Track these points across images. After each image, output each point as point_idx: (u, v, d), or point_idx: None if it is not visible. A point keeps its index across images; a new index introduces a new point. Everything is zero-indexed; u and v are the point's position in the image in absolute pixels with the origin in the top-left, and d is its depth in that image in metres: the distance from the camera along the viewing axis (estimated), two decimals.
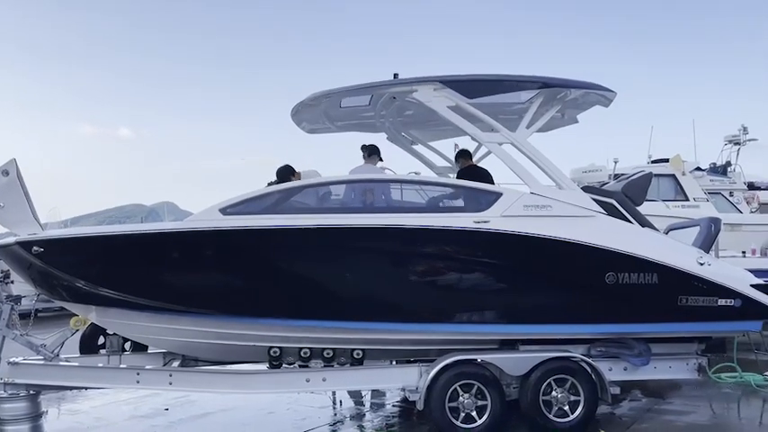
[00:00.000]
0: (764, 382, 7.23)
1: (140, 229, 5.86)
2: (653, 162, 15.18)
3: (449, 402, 5.53)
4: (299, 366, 5.91)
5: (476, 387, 5.59)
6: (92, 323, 6.65)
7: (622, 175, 11.25)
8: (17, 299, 6.11)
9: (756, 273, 5.97)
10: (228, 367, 6.24)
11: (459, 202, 6.13)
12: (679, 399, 6.89)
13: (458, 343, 5.87)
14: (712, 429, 5.91)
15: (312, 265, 5.60)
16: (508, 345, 5.97)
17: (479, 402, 5.59)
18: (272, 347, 5.81)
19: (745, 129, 17.56)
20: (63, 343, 6.14)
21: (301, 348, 5.82)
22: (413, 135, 8.10)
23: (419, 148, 8.20)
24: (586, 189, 6.18)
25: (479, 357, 5.76)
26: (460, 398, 5.56)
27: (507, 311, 5.73)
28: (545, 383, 5.65)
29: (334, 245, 5.56)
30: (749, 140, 17.48)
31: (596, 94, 6.35)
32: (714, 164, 16.55)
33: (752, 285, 5.74)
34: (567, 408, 5.67)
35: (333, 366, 5.88)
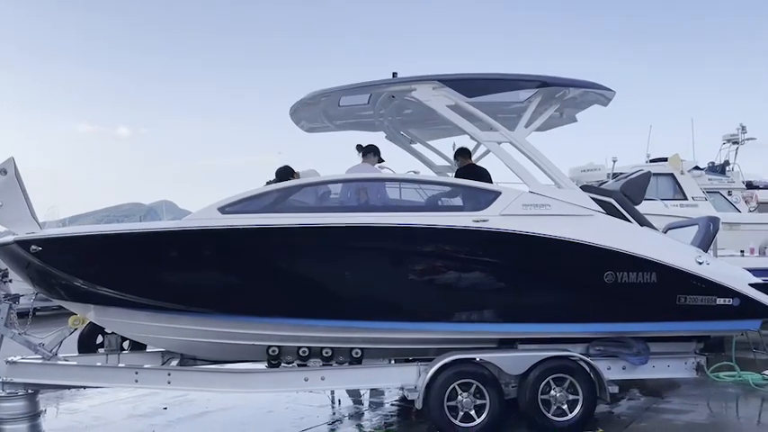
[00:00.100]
0: (763, 381, 7.25)
1: (139, 228, 5.85)
2: (651, 161, 15.19)
3: (447, 401, 5.54)
4: (298, 365, 5.91)
5: (474, 386, 5.60)
6: (90, 322, 6.64)
7: (621, 174, 11.25)
8: (15, 298, 6.10)
9: (755, 272, 5.98)
10: (227, 366, 6.24)
11: (458, 201, 6.13)
12: (677, 398, 6.89)
13: (456, 342, 5.87)
14: (711, 428, 5.92)
15: (311, 264, 5.60)
16: (507, 344, 5.97)
17: (478, 401, 5.59)
18: (270, 346, 5.81)
19: (743, 128, 17.58)
20: (61, 342, 6.13)
21: (300, 347, 5.82)
22: (412, 134, 8.09)
23: (418, 147, 8.20)
24: (585, 188, 6.18)
25: (478, 356, 5.76)
26: (459, 397, 5.57)
27: (506, 310, 5.73)
28: (544, 382, 5.66)
29: (332, 244, 5.55)
30: (748, 139, 17.51)
31: (595, 93, 6.35)
32: (712, 163, 16.57)
33: (750, 284, 5.74)
34: (565, 407, 5.68)
35: (331, 365, 5.88)
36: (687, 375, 6.15)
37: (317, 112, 7.00)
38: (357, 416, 6.85)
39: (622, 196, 6.02)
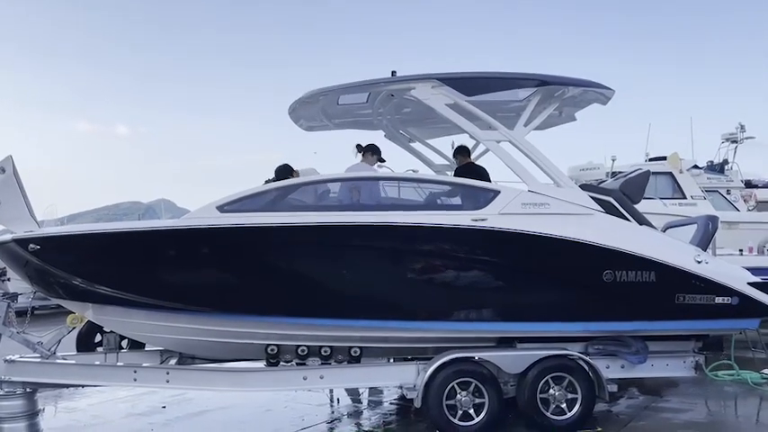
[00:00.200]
0: (761, 379, 7.25)
1: (138, 227, 5.84)
2: (650, 160, 15.20)
3: (446, 400, 5.54)
4: (297, 364, 5.90)
5: (473, 385, 5.60)
6: (89, 321, 6.63)
7: (620, 173, 11.27)
8: (14, 296, 6.09)
9: (754, 271, 5.99)
10: (226, 365, 6.23)
11: (457, 200, 6.14)
12: (676, 396, 6.90)
13: (455, 341, 5.87)
14: (709, 427, 5.92)
15: (309, 263, 5.60)
16: (506, 342, 5.97)
17: (477, 400, 5.59)
18: (269, 345, 5.80)
19: (742, 127, 17.60)
20: (60, 341, 6.12)
21: (299, 346, 5.81)
22: (411, 133, 8.09)
23: (417, 145, 8.20)
24: (584, 187, 6.18)
25: (477, 355, 5.76)
26: (458, 396, 5.57)
27: (505, 309, 5.73)
28: (542, 381, 5.67)
29: (331, 242, 5.55)
30: (746, 138, 17.53)
31: (594, 91, 6.35)
32: (711, 162, 16.59)
33: (749, 283, 5.76)
34: (564, 405, 5.68)
35: (330, 364, 5.88)
36: (686, 374, 6.17)
37: (316, 110, 6.99)
38: (356, 414, 6.85)
39: (621, 195, 6.02)
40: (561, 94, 6.32)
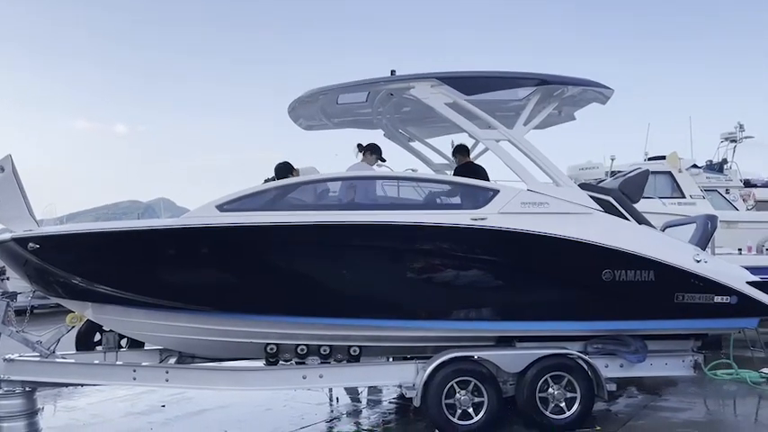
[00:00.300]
0: (760, 378, 7.26)
1: (137, 226, 5.84)
2: (650, 159, 15.22)
3: (445, 399, 5.54)
4: (296, 363, 5.90)
5: (472, 384, 5.60)
6: (88, 320, 6.62)
7: (619, 172, 11.27)
8: (13, 295, 6.08)
9: (752, 270, 5.99)
10: (225, 364, 6.22)
11: (457, 200, 6.14)
12: (675, 396, 6.91)
13: (455, 340, 5.88)
14: (708, 426, 5.93)
15: (309, 262, 5.59)
16: (505, 342, 5.98)
17: (476, 399, 5.60)
18: (268, 344, 5.79)
19: (741, 126, 17.64)
20: (59, 340, 6.12)
21: (298, 345, 5.81)
22: (410, 132, 8.08)
23: (416, 145, 8.20)
24: (583, 186, 6.18)
25: (476, 354, 5.77)
26: (457, 395, 5.57)
27: (504, 308, 5.73)
28: (541, 380, 5.67)
29: (331, 242, 5.55)
30: (745, 138, 17.57)
31: (593, 91, 6.35)
32: (710, 161, 16.62)
33: (748, 282, 5.77)
34: (563, 404, 5.69)
35: (330, 363, 5.87)
36: (685, 373, 6.17)
37: (316, 109, 6.99)
38: (355, 413, 6.86)
39: (620, 194, 6.02)
40: (560, 94, 6.32)
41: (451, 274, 5.71)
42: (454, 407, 5.57)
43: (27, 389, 5.72)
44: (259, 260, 5.57)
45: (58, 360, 5.99)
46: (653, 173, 11.33)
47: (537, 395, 5.65)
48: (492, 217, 5.60)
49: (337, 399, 7.35)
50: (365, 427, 6.17)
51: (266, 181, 6.64)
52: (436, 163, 8.16)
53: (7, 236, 5.63)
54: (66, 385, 6.38)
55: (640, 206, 6.23)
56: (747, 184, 16.36)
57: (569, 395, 5.71)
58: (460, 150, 7.54)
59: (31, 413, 5.71)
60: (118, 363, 6.29)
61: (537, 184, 5.86)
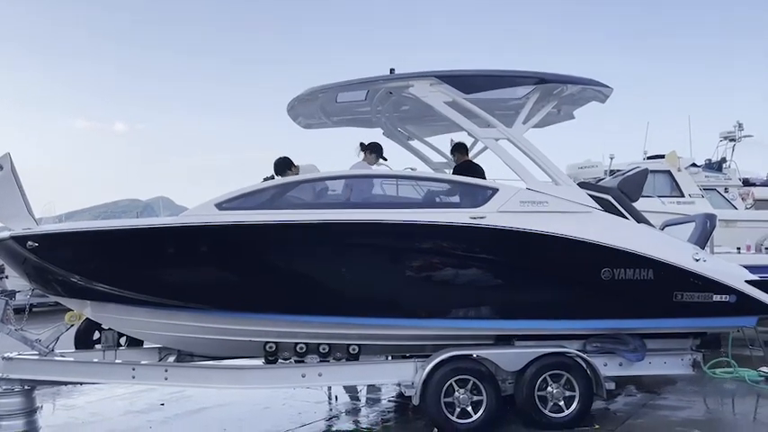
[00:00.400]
0: (758, 377, 7.26)
1: (136, 224, 5.84)
2: (649, 158, 15.22)
3: (444, 398, 5.54)
4: (295, 361, 5.89)
5: (471, 382, 5.60)
6: (87, 318, 6.62)
7: (618, 171, 11.27)
8: (12, 294, 6.09)
9: (751, 269, 5.99)
10: (224, 362, 6.22)
11: (456, 198, 6.14)
12: (674, 394, 6.91)
13: (453, 338, 5.88)
14: (707, 424, 5.93)
15: (308, 261, 5.60)
16: (504, 340, 5.98)
17: (475, 398, 5.60)
18: (267, 343, 5.79)
19: (740, 125, 17.65)
20: (58, 338, 6.12)
21: (297, 343, 5.80)
22: (409, 130, 8.08)
23: (415, 143, 8.19)
24: (582, 185, 6.18)
25: (475, 353, 5.77)
26: (456, 393, 5.57)
27: (503, 307, 5.74)
28: (540, 379, 5.67)
29: (330, 240, 5.55)
30: (744, 137, 17.57)
31: (593, 89, 6.35)
32: (709, 160, 16.62)
33: (747, 281, 5.77)
34: (562, 403, 5.69)
35: (329, 361, 5.87)
36: (683, 372, 6.18)
37: (315, 108, 6.99)
38: (354, 412, 6.86)
39: (620, 193, 6.02)
40: (560, 92, 6.32)
41: (450, 273, 5.71)
42: (453, 405, 5.57)
43: (26, 387, 5.72)
44: (258, 259, 5.57)
45: (56, 358, 5.99)
46: (652, 172, 11.33)
47: (536, 394, 5.65)
48: (491, 216, 5.60)
49: (336, 397, 7.35)
50: (364, 426, 6.17)
51: (265, 179, 6.64)
52: (435, 161, 8.16)
53: (6, 234, 5.62)
54: (65, 383, 6.37)
55: (639, 205, 6.23)
56: (746, 182, 16.37)
57: (568, 394, 5.71)
58: (459, 148, 7.54)
59: (29, 411, 5.72)
60: (117, 361, 6.28)
61: (536, 183, 5.86)
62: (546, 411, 5.66)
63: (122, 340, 6.92)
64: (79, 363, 6.05)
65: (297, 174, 6.75)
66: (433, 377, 5.54)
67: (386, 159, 7.15)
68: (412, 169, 7.42)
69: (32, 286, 6.10)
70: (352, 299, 5.61)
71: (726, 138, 17.60)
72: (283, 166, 6.85)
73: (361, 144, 7.14)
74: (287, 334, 5.78)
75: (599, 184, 6.91)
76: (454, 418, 5.55)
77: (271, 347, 5.81)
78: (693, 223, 6.37)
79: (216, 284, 5.62)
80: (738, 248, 9.34)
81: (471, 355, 5.75)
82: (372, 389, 7.52)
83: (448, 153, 7.96)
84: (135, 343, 6.85)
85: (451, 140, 7.97)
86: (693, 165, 14.48)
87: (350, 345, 5.89)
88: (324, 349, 5.82)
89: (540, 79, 6.06)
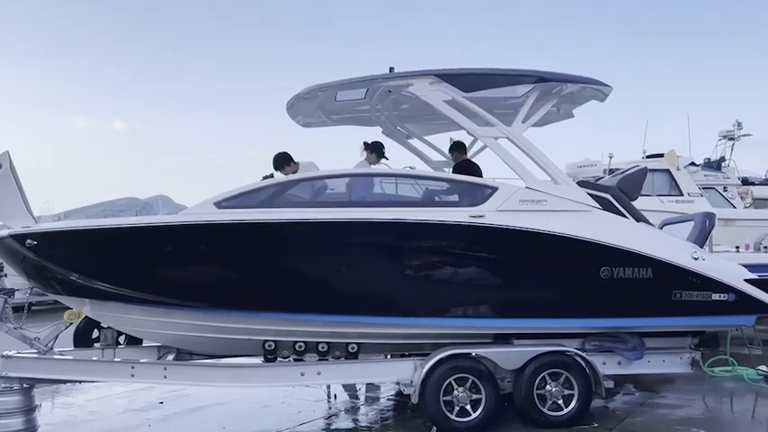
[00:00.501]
0: (757, 376, 7.27)
1: (135, 223, 5.83)
2: (648, 157, 15.20)
3: (443, 396, 5.54)
4: (294, 360, 5.90)
5: (470, 381, 5.60)
6: (86, 316, 6.63)
7: (617, 170, 11.27)
8: (10, 292, 6.08)
9: (750, 268, 6.00)
10: (223, 361, 6.22)
11: (455, 197, 6.14)
12: (672, 393, 6.92)
13: (452, 337, 5.88)
14: (705, 423, 5.93)
15: (307, 259, 5.60)
16: (502, 339, 5.98)
17: (474, 396, 5.60)
18: (266, 341, 5.80)
19: (739, 124, 17.62)
20: (57, 336, 6.12)
21: (296, 342, 5.81)
22: (408, 129, 8.08)
23: (415, 142, 8.19)
24: (582, 184, 6.19)
25: (474, 351, 5.77)
26: (455, 391, 5.57)
27: (502, 306, 5.74)
28: (539, 377, 5.67)
29: (329, 239, 5.55)
30: (743, 136, 17.55)
31: (592, 88, 6.35)
32: (708, 159, 16.61)
33: (746, 280, 5.77)
34: (561, 401, 5.70)
35: (328, 360, 5.87)
36: (682, 370, 6.17)
37: (314, 106, 6.98)
38: (353, 410, 6.86)
39: (619, 192, 6.02)
40: (559, 91, 6.32)
41: (449, 272, 5.72)
42: (452, 404, 5.57)
43: (25, 385, 5.71)
44: (257, 257, 5.57)
45: (55, 357, 5.99)
46: (651, 171, 11.32)
47: (534, 392, 5.66)
48: (490, 214, 5.60)
49: (335, 396, 7.36)
50: (363, 424, 6.18)
51: (264, 178, 6.64)
52: (434, 160, 8.15)
53: (5, 232, 5.62)
54: (64, 382, 6.38)
55: (638, 204, 6.23)
56: (745, 181, 16.35)
57: (567, 392, 5.71)
58: (457, 147, 7.54)
59: (28, 410, 5.70)
60: (116, 359, 6.30)
61: (535, 182, 5.86)
62: (545, 410, 5.66)
63: (121, 338, 6.92)
64: (78, 361, 6.05)
65: (296, 170, 6.75)
66: (431, 376, 5.54)
67: (387, 159, 7.16)
68: (411, 168, 7.42)
69: (31, 284, 6.09)
70: (352, 297, 5.61)
71: (725, 137, 17.58)
72: (282, 161, 6.83)
73: (365, 143, 7.16)
74: (286, 332, 5.78)
75: (598, 182, 6.91)
76: (453, 417, 5.55)
77: (270, 346, 5.81)
78: (692, 222, 6.37)
79: (215, 283, 5.62)
80: (737, 247, 9.34)
81: (470, 353, 5.75)
82: (371, 387, 7.52)
83: (447, 152, 7.96)
84: (134, 341, 6.84)
85: (451, 139, 7.97)
86: (692, 164, 14.48)
87: (349, 343, 5.89)
88: (323, 348, 5.83)
89: (540, 78, 6.06)
